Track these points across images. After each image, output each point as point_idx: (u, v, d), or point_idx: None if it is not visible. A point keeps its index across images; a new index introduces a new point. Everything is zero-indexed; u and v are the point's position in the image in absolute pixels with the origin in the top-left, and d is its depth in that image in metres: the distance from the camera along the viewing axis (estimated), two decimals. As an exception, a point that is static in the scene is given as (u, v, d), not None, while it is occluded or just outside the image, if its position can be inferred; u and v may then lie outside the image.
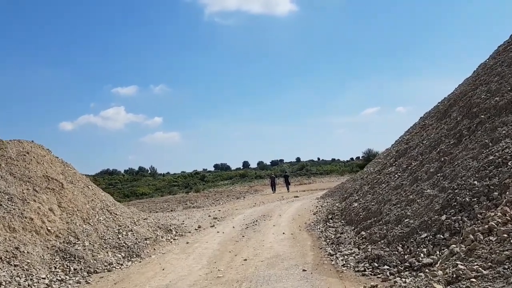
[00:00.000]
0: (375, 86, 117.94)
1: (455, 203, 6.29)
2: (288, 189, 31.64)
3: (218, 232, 12.35)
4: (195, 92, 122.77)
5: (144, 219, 12.74)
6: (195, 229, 13.34)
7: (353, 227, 9.29)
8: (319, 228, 10.78)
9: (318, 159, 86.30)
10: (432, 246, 5.96)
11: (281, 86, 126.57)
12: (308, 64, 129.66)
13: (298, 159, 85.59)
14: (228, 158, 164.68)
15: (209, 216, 16.59)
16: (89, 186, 12.58)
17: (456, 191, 6.52)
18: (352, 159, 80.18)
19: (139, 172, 74.78)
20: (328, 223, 10.95)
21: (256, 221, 13.86)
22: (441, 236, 5.96)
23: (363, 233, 8.25)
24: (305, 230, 11.08)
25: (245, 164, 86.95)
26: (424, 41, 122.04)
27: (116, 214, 11.65)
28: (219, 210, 18.98)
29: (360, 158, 68.42)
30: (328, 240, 9.14)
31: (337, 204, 13.03)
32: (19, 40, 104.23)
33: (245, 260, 8.34)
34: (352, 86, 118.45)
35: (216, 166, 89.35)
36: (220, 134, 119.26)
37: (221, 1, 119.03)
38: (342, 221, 10.53)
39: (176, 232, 12.49)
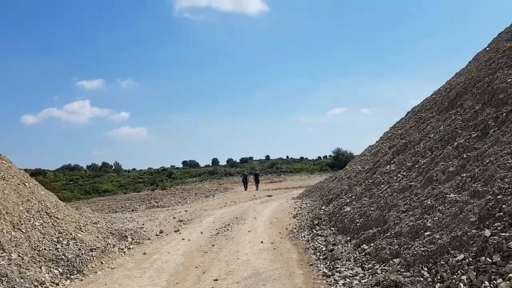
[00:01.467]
0: (343, 86, 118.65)
1: (501, 214, 4.70)
2: (257, 187, 30.05)
3: (183, 239, 10.43)
4: (164, 87, 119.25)
5: (93, 224, 10.63)
6: (156, 235, 11.35)
7: (348, 238, 7.61)
8: (304, 236, 9.07)
9: (287, 157, 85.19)
10: (475, 273, 4.33)
11: (251, 84, 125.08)
12: (277, 63, 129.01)
13: (267, 157, 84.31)
14: (197, 155, 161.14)
15: (174, 218, 14.59)
16: (26, 183, 10.33)
17: (498, 197, 4.94)
18: (319, 157, 79.96)
19: (102, 168, 71.12)
20: (314, 230, 9.25)
21: (228, 225, 12.03)
22: (488, 259, 4.35)
23: (365, 246, 6.59)
24: (287, 239, 9.34)
25: (215, 161, 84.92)
26: (389, 45, 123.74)
27: (57, 217, 9.50)
28: (186, 211, 16.98)
29: (328, 157, 68.19)
30: (318, 253, 7.43)
31: (323, 207, 11.35)
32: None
33: (216, 280, 6.54)
34: (321, 86, 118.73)
35: (184, 162, 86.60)
36: (189, 130, 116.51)
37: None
38: (332, 228, 8.83)
39: (132, 239, 10.47)
